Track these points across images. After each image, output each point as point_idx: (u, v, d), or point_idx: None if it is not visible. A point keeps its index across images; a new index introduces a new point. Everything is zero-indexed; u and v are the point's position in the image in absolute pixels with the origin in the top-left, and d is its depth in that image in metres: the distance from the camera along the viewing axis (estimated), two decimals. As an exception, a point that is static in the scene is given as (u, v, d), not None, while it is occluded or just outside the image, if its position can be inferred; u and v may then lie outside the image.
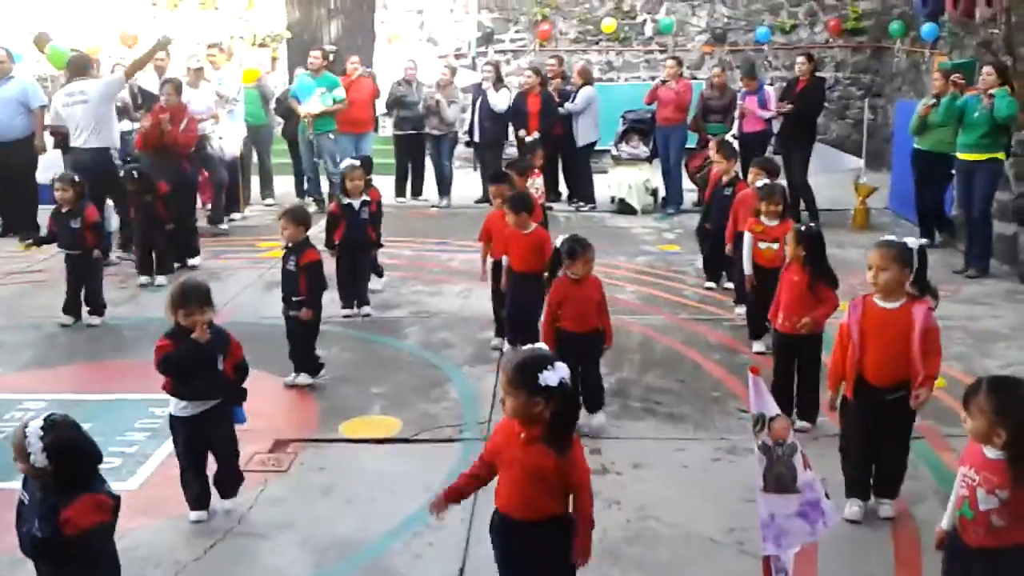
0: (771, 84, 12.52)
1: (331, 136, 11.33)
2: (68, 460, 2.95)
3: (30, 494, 3.02)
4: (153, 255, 8.20)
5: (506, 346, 6.05)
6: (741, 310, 6.87)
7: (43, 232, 7.72)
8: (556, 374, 2.82)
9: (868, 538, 4.03)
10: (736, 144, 9.40)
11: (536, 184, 7.76)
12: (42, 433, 2.91)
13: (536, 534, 2.95)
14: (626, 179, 11.50)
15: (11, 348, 6.45)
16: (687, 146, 11.52)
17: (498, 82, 11.84)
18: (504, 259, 6.15)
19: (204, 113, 9.95)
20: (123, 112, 9.63)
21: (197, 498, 4.22)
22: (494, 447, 3.05)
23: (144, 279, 8.11)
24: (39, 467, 2.92)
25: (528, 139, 10.94)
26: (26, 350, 6.54)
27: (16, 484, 3.29)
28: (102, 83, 8.94)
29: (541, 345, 3.16)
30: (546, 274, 5.20)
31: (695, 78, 13.55)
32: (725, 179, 7.60)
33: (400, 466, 4.77)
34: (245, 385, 4.29)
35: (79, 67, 9.01)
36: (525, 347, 2.99)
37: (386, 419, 5.32)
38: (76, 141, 8.69)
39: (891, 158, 11.95)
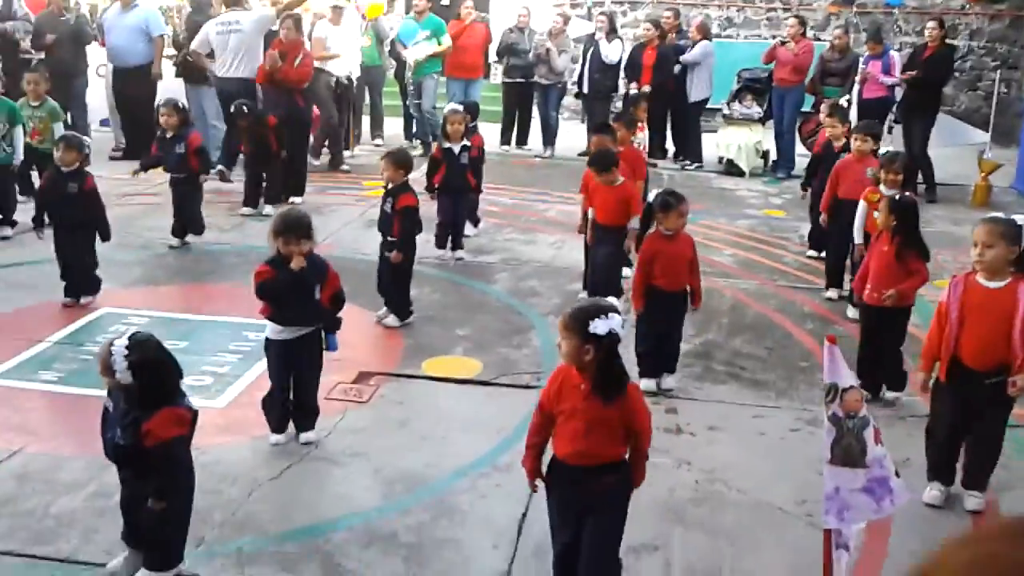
0: (898, 49, 11.93)
1: (434, 77, 11.34)
2: (150, 377, 3.10)
3: (115, 403, 3.18)
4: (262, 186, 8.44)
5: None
6: (833, 294, 6.62)
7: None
8: (606, 324, 2.83)
9: (947, 524, 3.89)
10: (854, 109, 9.02)
11: (638, 138, 7.63)
12: (127, 352, 3.06)
13: (597, 478, 2.98)
14: (736, 139, 11.20)
15: (122, 265, 6.76)
16: (802, 109, 11.13)
17: (611, 33, 11.62)
18: (590, 211, 6.11)
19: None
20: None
21: (278, 422, 4.37)
22: (549, 397, 3.06)
23: (247, 210, 8.35)
24: (124, 383, 3.08)
25: (634, 91, 10.73)
26: (135, 268, 6.86)
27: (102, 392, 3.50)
28: (255, 16, 9.34)
29: (611, 299, 3.16)
30: (629, 226, 5.12)
31: (818, 39, 13.01)
32: (837, 145, 7.31)
33: (476, 407, 4.84)
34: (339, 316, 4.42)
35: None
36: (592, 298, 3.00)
37: (467, 360, 5.39)
38: (222, 70, 9.13)
39: (1021, 135, 11.29)
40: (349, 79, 10.56)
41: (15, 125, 7.28)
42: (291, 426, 4.41)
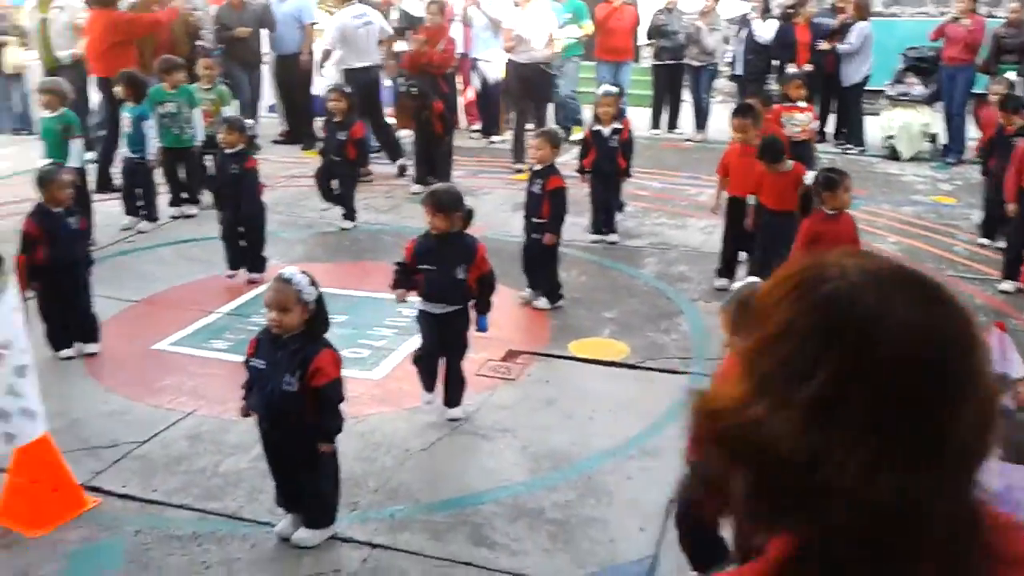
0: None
1: (575, 61, 11.29)
2: (322, 304, 3.29)
3: (268, 358, 3.33)
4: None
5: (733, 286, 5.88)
6: (1008, 286, 6.22)
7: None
8: None
9: None
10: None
11: (796, 119, 7.38)
12: (306, 277, 3.24)
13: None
14: (901, 122, 10.66)
15: (287, 243, 7.10)
16: (974, 90, 10.46)
17: (765, 12, 11.26)
18: (751, 198, 5.95)
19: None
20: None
21: (428, 380, 4.48)
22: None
23: (418, 188, 8.64)
24: (308, 308, 3.23)
25: (793, 71, 10.36)
26: (299, 245, 7.19)
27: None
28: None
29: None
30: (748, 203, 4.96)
31: (992, 16, 12.20)
32: (1011, 128, 6.85)
33: (623, 390, 4.82)
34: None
35: None
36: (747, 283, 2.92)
37: (615, 343, 5.37)
38: (354, 60, 9.36)
39: None
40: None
41: (193, 108, 7.72)
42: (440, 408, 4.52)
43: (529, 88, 9.62)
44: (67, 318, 5.03)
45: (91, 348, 5.09)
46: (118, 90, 7.41)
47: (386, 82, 10.83)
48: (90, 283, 5.12)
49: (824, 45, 10.71)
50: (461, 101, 11.49)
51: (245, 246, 6.33)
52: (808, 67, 10.42)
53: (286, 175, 9.01)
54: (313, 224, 7.67)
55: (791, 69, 10.51)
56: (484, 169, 9.89)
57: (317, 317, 3.32)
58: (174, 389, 4.75)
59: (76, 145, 6.74)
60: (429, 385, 4.49)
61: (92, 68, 8.60)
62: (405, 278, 4.42)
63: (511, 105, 9.91)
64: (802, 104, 7.85)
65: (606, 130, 7.13)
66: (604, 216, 7.21)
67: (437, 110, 8.59)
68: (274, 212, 7.09)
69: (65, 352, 5.00)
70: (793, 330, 0.86)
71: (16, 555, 3.44)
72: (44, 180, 5.00)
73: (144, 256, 6.80)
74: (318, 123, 9.46)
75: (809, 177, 5.49)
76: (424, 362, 4.48)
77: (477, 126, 11.61)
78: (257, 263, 6.36)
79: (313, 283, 3.32)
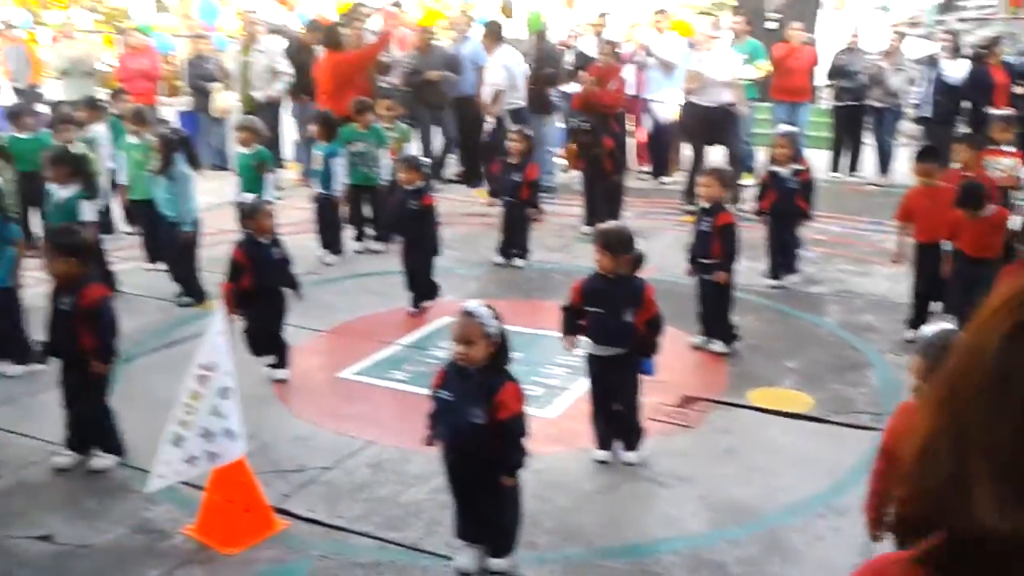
0: None
1: (749, 104, 11.04)
2: (506, 337, 3.33)
3: (455, 390, 3.37)
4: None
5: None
6: None
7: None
8: None
9: None
10: None
11: (1001, 164, 6.94)
12: (490, 311, 3.29)
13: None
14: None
15: (461, 278, 7.25)
16: None
17: (955, 52, 10.71)
18: (946, 244, 5.62)
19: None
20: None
21: (601, 438, 4.43)
22: (895, 437, 2.82)
23: (588, 229, 8.66)
24: (492, 341, 3.26)
25: (996, 112, 9.77)
26: (472, 282, 7.32)
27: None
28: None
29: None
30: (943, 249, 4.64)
31: None
32: None
33: (808, 444, 4.61)
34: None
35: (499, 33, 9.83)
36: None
37: (797, 394, 5.16)
38: (518, 98, 9.56)
39: None
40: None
41: (381, 147, 8.02)
42: (616, 446, 4.45)
43: (712, 131, 9.46)
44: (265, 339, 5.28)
45: (281, 374, 5.32)
46: (312, 129, 7.81)
47: (558, 123, 10.98)
48: (285, 312, 5.36)
49: (1020, 89, 10.09)
50: (632, 142, 11.48)
51: (418, 278, 6.49)
52: (1009, 110, 9.82)
53: (462, 213, 9.22)
54: (486, 261, 7.80)
55: (992, 111, 9.94)
56: (654, 211, 9.80)
57: (501, 350, 3.34)
58: (357, 417, 4.90)
59: (270, 179, 7.14)
60: (604, 443, 4.42)
61: (326, 107, 8.91)
62: (573, 324, 4.38)
63: (689, 147, 9.77)
64: (1008, 148, 7.38)
65: (784, 171, 6.92)
66: (782, 259, 6.99)
67: (608, 147, 8.61)
68: (449, 248, 7.27)
69: (265, 359, 5.25)
70: (1007, 374, 0.80)
71: (211, 571, 3.59)
72: (252, 212, 5.28)
73: (330, 288, 7.09)
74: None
75: (1016, 222, 5.14)
76: (597, 417, 4.42)
77: (647, 168, 11.56)
78: (430, 290, 6.51)
79: (496, 317, 3.35)
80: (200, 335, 5.79)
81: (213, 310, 3.73)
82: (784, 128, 7.36)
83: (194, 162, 6.69)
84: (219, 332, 3.50)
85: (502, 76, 9.72)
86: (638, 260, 4.32)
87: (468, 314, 3.32)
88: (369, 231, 8.23)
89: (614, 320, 4.23)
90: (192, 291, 6.64)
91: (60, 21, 13.22)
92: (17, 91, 13.01)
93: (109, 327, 4.24)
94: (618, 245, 4.27)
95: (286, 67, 10.42)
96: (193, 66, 11.71)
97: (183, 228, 6.50)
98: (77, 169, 6.00)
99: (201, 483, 3.80)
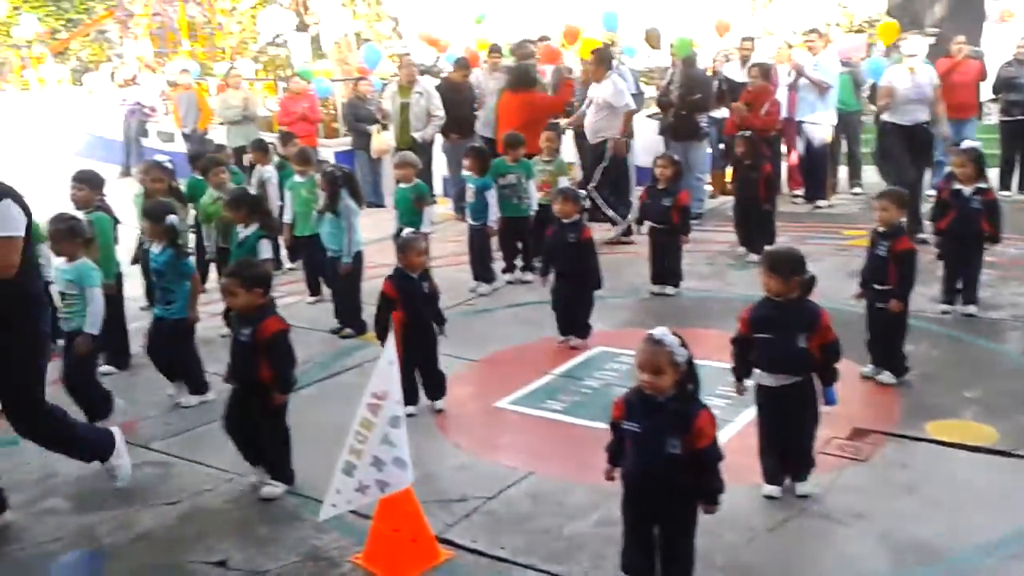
0: None
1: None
2: (693, 364, 3.27)
3: (643, 420, 3.29)
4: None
5: None
6: None
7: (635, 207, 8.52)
8: None
9: None
10: None
11: None
12: (676, 338, 3.23)
13: None
14: None
15: (612, 308, 7.19)
16: None
17: None
18: None
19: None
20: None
21: (771, 473, 4.25)
22: None
23: (741, 250, 8.50)
24: (680, 369, 3.22)
25: None
26: (623, 311, 7.25)
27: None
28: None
29: None
30: None
31: None
32: None
33: (996, 479, 4.29)
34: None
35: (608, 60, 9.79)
36: None
37: (980, 426, 4.82)
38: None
39: None
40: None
41: (530, 180, 8.10)
42: (785, 480, 4.27)
43: (908, 150, 8.96)
44: (416, 375, 5.36)
45: (439, 405, 5.39)
46: (465, 163, 7.96)
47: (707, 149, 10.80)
48: (436, 344, 5.43)
49: None
50: (784, 165, 11.19)
51: (572, 313, 6.47)
52: None
53: (606, 241, 9.17)
54: (637, 290, 7.71)
55: None
56: (811, 235, 9.48)
57: (690, 378, 3.27)
58: (515, 447, 4.90)
59: (427, 213, 7.34)
60: (773, 477, 4.24)
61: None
62: (745, 360, 4.24)
63: (884, 168, 9.24)
64: None
65: (967, 190, 6.53)
66: (961, 285, 6.58)
67: (765, 172, 8.40)
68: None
69: (410, 409, 5.30)
70: None
71: (379, 598, 3.64)
72: (403, 247, 5.41)
73: (482, 318, 7.17)
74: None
75: None
76: (767, 451, 4.25)
77: (800, 191, 11.22)
78: (583, 329, 6.47)
79: (683, 344, 3.27)
80: (361, 366, 6.02)
81: (374, 342, 3.80)
82: (966, 144, 6.94)
83: (357, 197, 6.94)
84: (390, 361, 3.56)
85: (621, 102, 9.59)
86: (810, 283, 4.15)
87: (656, 342, 3.24)
88: (519, 262, 8.29)
89: (786, 346, 4.06)
90: (354, 323, 6.84)
91: (225, 70, 14.05)
92: (186, 136, 13.93)
93: (287, 358, 4.40)
94: (788, 267, 4.11)
95: (441, 109, 10.71)
96: (352, 108, 12.20)
97: (344, 261, 6.73)
98: (255, 209, 6.33)
99: (369, 512, 3.87)
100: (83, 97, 18.99)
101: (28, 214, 4.02)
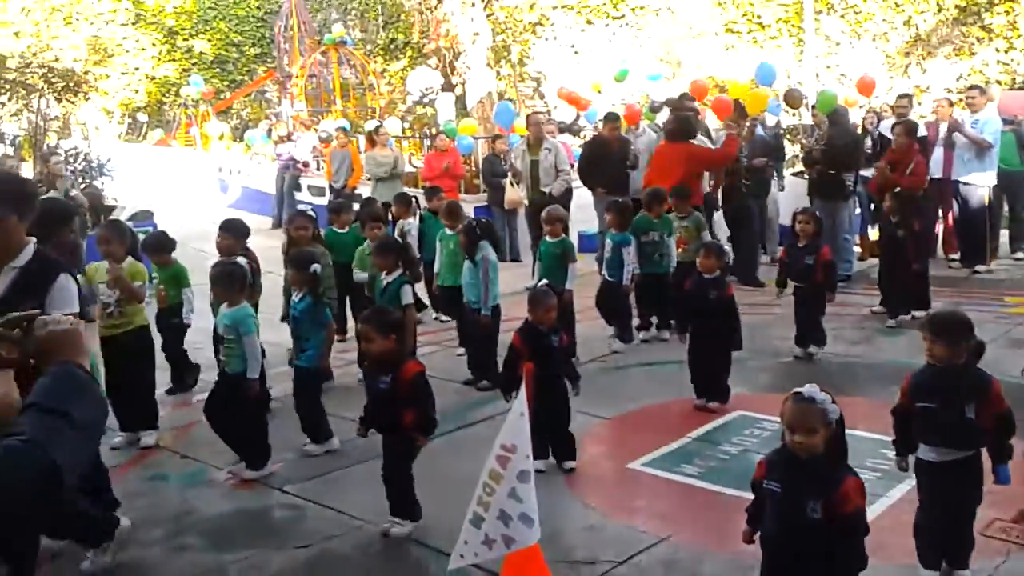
0: None
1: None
2: (843, 425, 3.11)
3: (785, 481, 3.12)
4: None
5: None
6: None
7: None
8: None
9: None
10: None
11: None
12: (828, 396, 3.06)
13: None
14: None
15: (751, 370, 6.92)
16: None
17: None
18: None
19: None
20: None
21: (929, 555, 3.92)
22: None
23: (892, 323, 8.07)
24: (831, 428, 3.05)
25: None
26: (763, 374, 6.96)
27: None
28: None
29: None
30: None
31: None
32: None
33: None
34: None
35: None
36: None
37: None
38: None
39: None
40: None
41: (670, 237, 7.94)
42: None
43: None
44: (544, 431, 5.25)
45: (568, 464, 5.25)
46: (608, 218, 7.90)
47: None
48: (569, 400, 5.32)
49: None
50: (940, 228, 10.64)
51: (710, 373, 6.25)
52: None
53: (747, 303, 8.88)
54: (779, 352, 7.41)
55: None
56: (969, 301, 8.90)
57: (839, 439, 3.08)
58: (647, 511, 4.72)
59: (573, 269, 7.33)
60: (931, 560, 3.92)
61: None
62: (906, 434, 3.95)
63: None
64: None
65: None
66: None
67: (914, 230, 7.97)
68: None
69: (538, 464, 5.17)
70: None
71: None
72: (534, 301, 5.37)
73: (616, 375, 7.03)
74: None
75: None
76: (925, 530, 3.93)
77: (955, 256, 10.62)
78: (721, 392, 6.24)
79: (834, 401, 3.09)
80: (492, 418, 5.98)
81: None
82: None
83: (497, 249, 6.99)
84: (520, 413, 3.49)
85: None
86: (979, 348, 3.86)
87: (807, 399, 3.07)
88: (655, 319, 8.13)
89: (952, 417, 3.76)
90: (488, 375, 6.84)
91: (373, 127, 14.56)
92: (334, 190, 14.47)
93: (429, 399, 4.43)
94: (954, 331, 3.84)
95: (567, 164, 10.78)
96: (489, 164, 12.42)
97: (482, 312, 6.77)
98: (400, 257, 6.47)
99: (495, 568, 3.78)
100: (242, 153, 20.12)
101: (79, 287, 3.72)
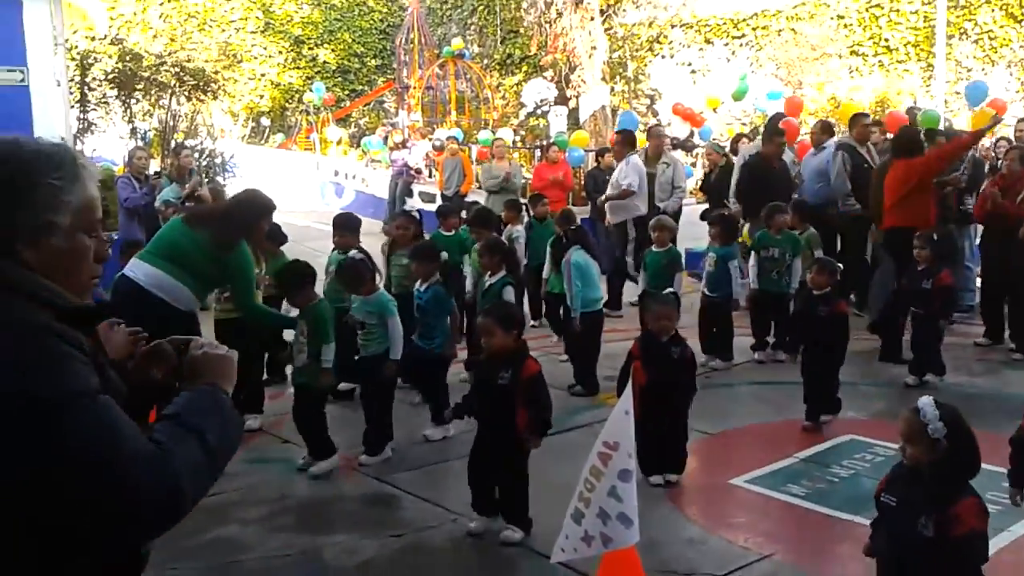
0: None
1: None
2: (964, 443, 2.91)
3: (900, 495, 2.99)
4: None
5: None
6: None
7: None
8: None
9: None
10: None
11: None
12: (938, 411, 2.91)
13: None
14: None
15: (866, 396, 6.64)
16: None
17: None
18: None
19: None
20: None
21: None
22: None
23: (1019, 356, 7.66)
24: (939, 447, 2.89)
25: None
26: (878, 400, 6.66)
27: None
28: None
29: None
30: None
31: None
32: None
33: None
34: None
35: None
36: None
37: None
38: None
39: None
40: None
41: (795, 256, 7.62)
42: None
43: None
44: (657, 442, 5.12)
45: (673, 477, 5.10)
46: (712, 231, 7.72)
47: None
48: (686, 413, 5.19)
49: None
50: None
51: (820, 390, 6.02)
52: None
53: (859, 328, 8.54)
54: (894, 379, 7.08)
55: None
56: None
57: (958, 457, 2.90)
58: (750, 528, 4.54)
59: (679, 278, 7.21)
60: None
61: (881, 219, 8.23)
62: (1020, 468, 3.70)
63: None
64: None
65: None
66: None
67: None
68: (852, 364, 6.65)
69: (654, 479, 5.05)
70: None
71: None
72: (649, 309, 5.27)
73: (721, 392, 6.83)
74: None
75: None
76: None
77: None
78: (832, 403, 6.02)
79: (952, 421, 2.91)
80: (590, 426, 5.88)
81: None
82: None
83: (592, 255, 6.93)
84: (626, 411, 3.41)
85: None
86: None
87: (913, 410, 2.98)
88: (771, 338, 7.86)
89: None
90: (585, 381, 6.76)
91: (487, 137, 14.69)
92: (444, 197, 14.64)
93: (545, 402, 4.37)
94: None
95: (684, 181, 10.59)
96: (592, 177, 12.33)
97: (572, 316, 6.74)
98: (506, 258, 6.53)
99: (586, 569, 3.70)
100: (358, 159, 20.61)
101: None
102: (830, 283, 6.09)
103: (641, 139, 12.58)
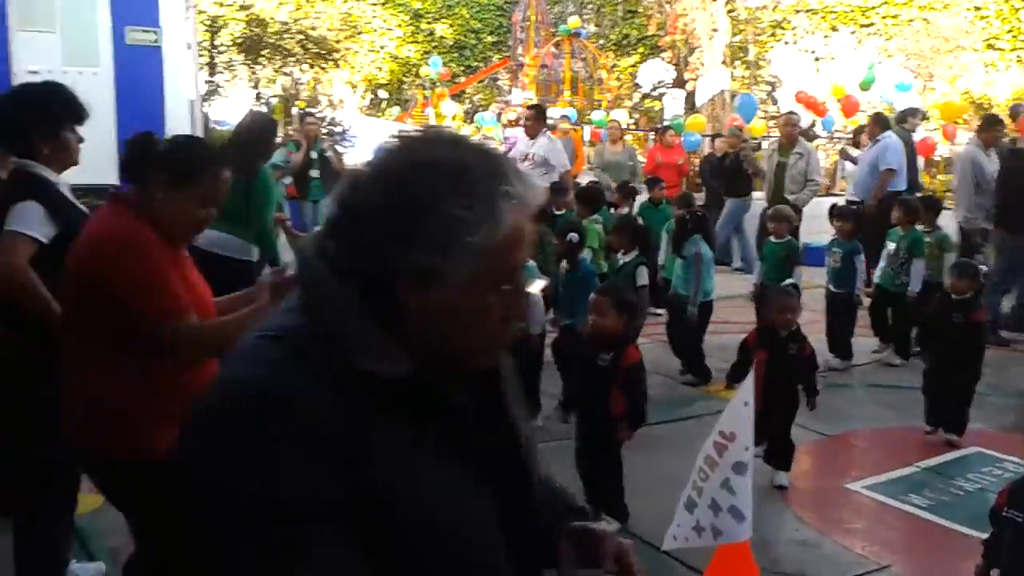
0: None
1: None
2: None
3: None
4: None
5: None
6: None
7: None
8: None
9: None
10: None
11: None
12: None
13: None
14: None
15: (995, 407, 6.27)
16: None
17: None
18: None
19: None
20: None
21: None
22: None
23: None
24: None
25: None
26: (1009, 413, 6.29)
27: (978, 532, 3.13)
28: None
29: None
30: None
31: None
32: None
33: None
34: None
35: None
36: None
37: None
38: None
39: None
40: None
41: (916, 256, 7.18)
42: None
43: None
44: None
45: (780, 479, 4.91)
46: (836, 225, 7.42)
47: None
48: (793, 411, 5.00)
49: None
50: None
51: (947, 402, 5.71)
52: None
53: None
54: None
55: None
56: None
57: None
58: (867, 535, 4.35)
59: (797, 271, 6.97)
60: None
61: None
62: None
63: None
64: None
65: None
66: None
67: None
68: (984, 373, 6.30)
69: (779, 480, 4.89)
70: None
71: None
72: (768, 301, 5.10)
73: (838, 393, 6.54)
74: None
75: None
76: None
77: None
78: (958, 424, 5.69)
79: None
80: (701, 417, 5.72)
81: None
82: None
83: (711, 245, 6.75)
84: (745, 402, 3.27)
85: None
86: None
87: None
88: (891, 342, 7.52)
89: None
90: (696, 370, 6.60)
91: (600, 118, 14.51)
92: (554, 176, 14.51)
93: (642, 392, 4.27)
94: None
95: (819, 174, 10.19)
96: (708, 163, 12.02)
97: (689, 309, 6.55)
98: (637, 237, 6.43)
99: (698, 564, 3.59)
100: (471, 134, 20.67)
101: (70, 230, 2.89)
102: (971, 288, 5.74)
103: (759, 128, 12.21)
